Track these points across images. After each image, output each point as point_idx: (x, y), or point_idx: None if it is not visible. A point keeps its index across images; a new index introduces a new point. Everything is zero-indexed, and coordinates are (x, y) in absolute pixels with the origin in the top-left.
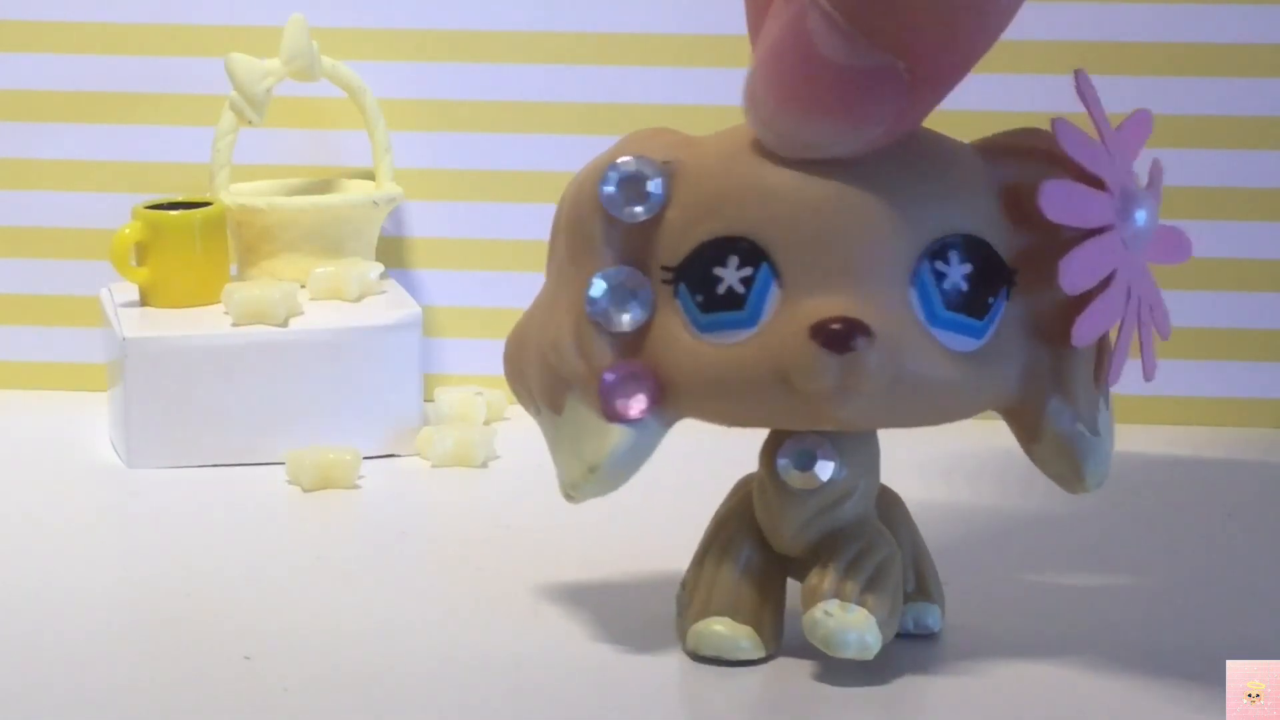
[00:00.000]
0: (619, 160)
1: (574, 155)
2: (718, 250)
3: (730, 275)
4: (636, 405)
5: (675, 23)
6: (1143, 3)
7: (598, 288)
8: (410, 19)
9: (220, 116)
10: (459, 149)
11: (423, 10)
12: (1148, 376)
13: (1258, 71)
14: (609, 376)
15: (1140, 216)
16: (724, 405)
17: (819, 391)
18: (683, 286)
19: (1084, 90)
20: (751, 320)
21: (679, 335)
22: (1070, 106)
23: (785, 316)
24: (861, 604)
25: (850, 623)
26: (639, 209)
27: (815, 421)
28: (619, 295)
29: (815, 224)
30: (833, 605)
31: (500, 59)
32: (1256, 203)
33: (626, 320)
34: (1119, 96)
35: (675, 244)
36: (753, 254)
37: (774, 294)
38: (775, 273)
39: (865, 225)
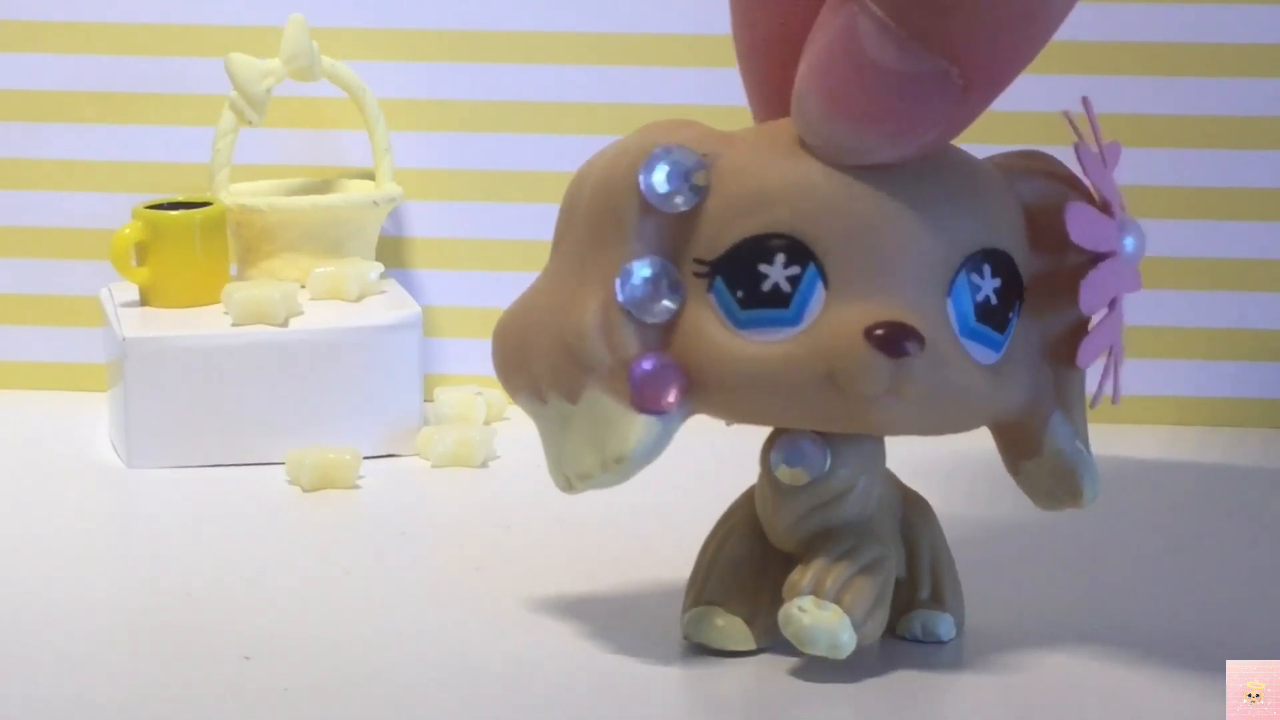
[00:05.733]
0: (661, 148)
1: (575, 155)
2: (763, 247)
3: (776, 273)
4: (670, 397)
5: (677, 23)
6: (1143, 3)
7: (639, 275)
8: (410, 19)
9: (220, 116)
10: (459, 149)
11: (423, 10)
12: (1115, 399)
13: (1258, 71)
14: (645, 365)
15: (1128, 244)
16: (760, 403)
17: (867, 394)
18: (719, 281)
19: (1091, 118)
20: (795, 319)
21: (712, 330)
22: (1061, 106)
23: (834, 318)
24: (838, 602)
25: (822, 620)
26: (679, 199)
27: (854, 424)
28: (658, 286)
29: (865, 228)
30: (807, 602)
31: (500, 59)
32: (1256, 203)
33: (662, 311)
34: (1120, 96)
35: (712, 237)
36: (799, 253)
37: (819, 294)
38: (821, 273)
39: (912, 233)
